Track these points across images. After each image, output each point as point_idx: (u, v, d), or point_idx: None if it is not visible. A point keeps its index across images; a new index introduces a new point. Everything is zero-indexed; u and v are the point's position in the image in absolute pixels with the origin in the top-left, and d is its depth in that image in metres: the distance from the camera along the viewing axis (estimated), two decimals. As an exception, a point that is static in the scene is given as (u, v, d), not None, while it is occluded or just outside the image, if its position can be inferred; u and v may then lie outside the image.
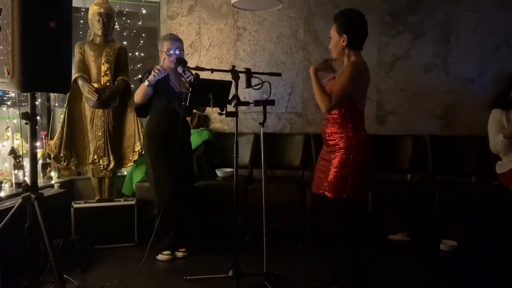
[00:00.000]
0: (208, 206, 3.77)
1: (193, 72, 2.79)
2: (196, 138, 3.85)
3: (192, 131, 3.85)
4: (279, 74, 2.95)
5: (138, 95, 3.16)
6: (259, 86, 2.72)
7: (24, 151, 3.31)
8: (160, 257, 3.20)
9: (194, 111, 3.99)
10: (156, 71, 3.07)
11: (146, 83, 3.09)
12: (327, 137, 2.58)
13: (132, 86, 3.90)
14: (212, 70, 2.73)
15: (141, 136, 3.63)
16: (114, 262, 3.18)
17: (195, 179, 3.61)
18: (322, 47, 4.06)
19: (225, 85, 2.73)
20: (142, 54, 4.43)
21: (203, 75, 2.75)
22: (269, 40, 4.14)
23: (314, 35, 4.08)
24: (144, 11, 4.41)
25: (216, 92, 2.64)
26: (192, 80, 2.79)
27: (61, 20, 2.19)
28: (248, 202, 3.56)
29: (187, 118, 3.88)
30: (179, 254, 3.27)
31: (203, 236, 3.68)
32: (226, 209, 3.81)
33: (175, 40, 3.22)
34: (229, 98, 2.71)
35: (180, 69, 2.98)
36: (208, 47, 4.22)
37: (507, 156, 3.39)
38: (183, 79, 3.04)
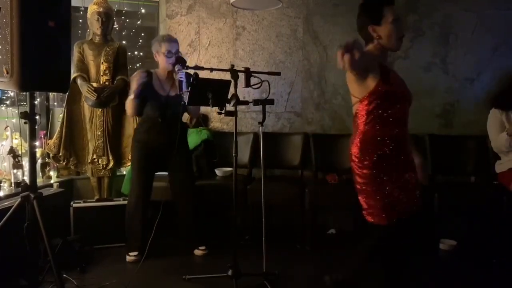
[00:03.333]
0: (207, 205, 3.77)
1: (192, 71, 2.77)
2: (195, 137, 3.85)
3: (191, 130, 3.85)
4: (278, 74, 2.94)
5: (129, 110, 3.14)
6: (258, 85, 2.71)
7: (23, 151, 3.30)
8: (127, 258, 3.17)
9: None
10: (138, 78, 3.01)
11: (131, 96, 3.04)
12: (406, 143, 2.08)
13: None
14: (211, 69, 2.73)
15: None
16: (113, 261, 3.17)
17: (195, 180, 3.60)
18: (321, 47, 4.06)
19: (224, 84, 2.73)
20: (141, 54, 4.43)
21: (202, 74, 2.75)
22: (268, 39, 4.14)
23: (314, 34, 4.08)
24: (143, 11, 4.41)
25: (215, 92, 2.64)
26: (182, 80, 2.81)
27: (60, 19, 2.20)
28: (247, 201, 3.56)
29: (187, 119, 3.88)
30: (199, 252, 3.29)
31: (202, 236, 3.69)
32: (225, 209, 3.81)
33: (173, 41, 3.16)
34: (228, 97, 2.71)
35: (177, 67, 2.91)
36: (207, 47, 4.22)
37: (507, 155, 3.40)
38: (177, 78, 2.95)
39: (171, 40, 3.16)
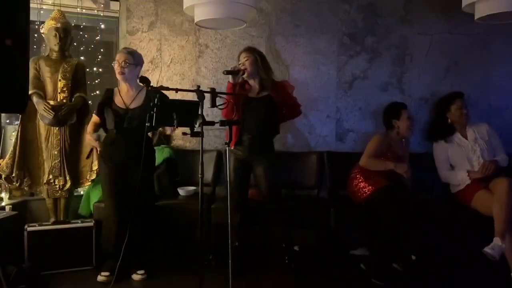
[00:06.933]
0: (169, 226, 3.69)
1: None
2: (158, 155, 3.76)
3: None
4: (245, 95, 2.95)
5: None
6: (224, 105, 2.71)
7: (-27, 172, 3.11)
8: (99, 278, 3.06)
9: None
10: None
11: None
12: None
13: (90, 102, 3.79)
14: (177, 90, 2.69)
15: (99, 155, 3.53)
16: (72, 287, 3.03)
17: (154, 199, 3.50)
18: (284, 66, 4.12)
19: (191, 105, 2.69)
20: (100, 70, 4.31)
21: (167, 94, 2.71)
22: (231, 57, 4.14)
23: (276, 53, 4.13)
24: (102, 26, 4.30)
25: (180, 112, 2.60)
26: None
27: (18, 37, 2.10)
28: (211, 221, 3.51)
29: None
30: (137, 277, 3.15)
31: (164, 257, 3.60)
32: (188, 229, 3.75)
33: (124, 52, 3.12)
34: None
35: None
36: (169, 64, 4.17)
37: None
38: None
39: (122, 51, 3.15)
